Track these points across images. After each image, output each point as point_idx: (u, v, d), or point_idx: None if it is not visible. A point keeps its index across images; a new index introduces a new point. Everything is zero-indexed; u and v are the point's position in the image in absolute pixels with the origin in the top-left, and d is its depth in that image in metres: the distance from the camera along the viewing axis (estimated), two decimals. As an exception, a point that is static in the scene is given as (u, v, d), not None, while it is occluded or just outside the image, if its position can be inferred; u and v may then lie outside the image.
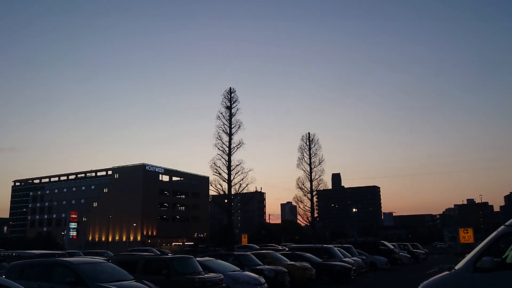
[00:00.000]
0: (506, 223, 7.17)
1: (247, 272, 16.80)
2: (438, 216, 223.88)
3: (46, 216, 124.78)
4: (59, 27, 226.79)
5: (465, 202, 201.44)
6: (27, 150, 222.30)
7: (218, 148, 44.61)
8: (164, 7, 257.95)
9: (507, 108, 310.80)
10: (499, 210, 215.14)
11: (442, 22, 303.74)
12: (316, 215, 58.08)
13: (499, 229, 7.13)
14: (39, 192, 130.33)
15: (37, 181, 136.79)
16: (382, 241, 39.63)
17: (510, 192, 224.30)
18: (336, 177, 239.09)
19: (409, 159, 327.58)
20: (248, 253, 22.11)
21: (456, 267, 7.11)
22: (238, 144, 44.54)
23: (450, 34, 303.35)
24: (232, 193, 44.52)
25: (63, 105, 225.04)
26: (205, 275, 14.32)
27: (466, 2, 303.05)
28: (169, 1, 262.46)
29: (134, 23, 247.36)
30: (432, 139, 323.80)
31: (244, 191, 46.24)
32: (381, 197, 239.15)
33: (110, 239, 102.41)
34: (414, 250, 43.63)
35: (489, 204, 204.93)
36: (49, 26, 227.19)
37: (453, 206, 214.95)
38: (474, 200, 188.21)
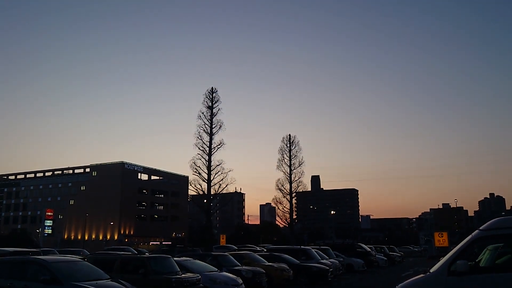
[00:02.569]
0: (480, 228, 7.29)
1: (224, 273, 16.79)
2: (414, 219, 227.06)
3: (21, 213, 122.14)
4: (34, 20, 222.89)
5: (441, 207, 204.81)
6: (2, 145, 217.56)
7: (199, 148, 44.59)
8: (144, 2, 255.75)
9: (484, 116, 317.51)
10: (473, 214, 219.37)
11: (427, 24, 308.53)
12: (294, 216, 58.51)
13: (473, 233, 7.25)
14: (14, 189, 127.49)
15: (12, 177, 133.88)
16: (359, 244, 40.05)
17: (485, 198, 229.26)
18: (315, 179, 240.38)
19: (387, 163, 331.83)
20: (226, 253, 22.08)
21: (431, 270, 7.21)
22: (219, 144, 44.60)
23: (426, 40, 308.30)
24: (212, 193, 44.52)
25: (40, 100, 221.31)
26: (183, 275, 14.27)
27: (458, 4, 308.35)
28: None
29: (114, 18, 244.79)
30: (409, 145, 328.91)
31: (224, 191, 46.32)
32: (359, 200, 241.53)
33: (86, 238, 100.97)
34: (391, 252, 44.15)
35: (464, 208, 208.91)
36: (23, 19, 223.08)
37: (429, 210, 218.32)
38: (450, 204, 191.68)
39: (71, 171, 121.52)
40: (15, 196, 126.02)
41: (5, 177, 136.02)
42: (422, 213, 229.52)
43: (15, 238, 76.65)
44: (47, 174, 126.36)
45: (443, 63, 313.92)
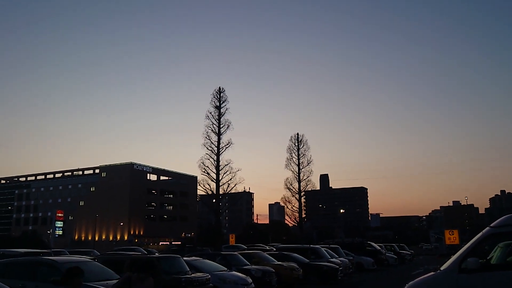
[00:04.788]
0: (491, 225, 7.23)
1: (234, 272, 16.78)
2: (424, 217, 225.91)
3: (31, 215, 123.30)
4: (41, 22, 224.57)
5: (451, 204, 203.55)
6: (12, 147, 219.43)
7: (207, 148, 44.64)
8: (151, 3, 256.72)
9: (493, 112, 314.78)
10: (484, 212, 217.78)
11: (432, 21, 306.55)
12: (304, 215, 58.21)
13: (484, 231, 7.19)
14: (25, 190, 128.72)
15: (23, 179, 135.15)
16: (369, 242, 39.85)
17: (495, 195, 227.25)
18: (324, 178, 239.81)
19: (396, 161, 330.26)
20: (235, 253, 22.10)
21: (442, 268, 7.16)
22: (227, 144, 44.63)
23: (433, 37, 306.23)
24: (220, 193, 44.52)
25: (50, 102, 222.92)
26: (192, 274, 14.28)
27: (467, 1, 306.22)
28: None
29: (122, 19, 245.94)
30: (419, 142, 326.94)
31: (232, 191, 46.29)
32: (368, 198, 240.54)
33: (96, 238, 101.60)
34: (401, 251, 43.90)
35: (475, 206, 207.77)
36: (30, 22, 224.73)
37: (439, 208, 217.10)
38: (460, 202, 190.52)
39: (80, 172, 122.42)
40: (26, 197, 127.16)
41: (16, 179, 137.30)
42: (432, 211, 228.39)
43: (26, 239, 77.36)
44: (57, 175, 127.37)
45: (452, 60, 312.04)
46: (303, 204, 57.89)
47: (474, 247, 7.03)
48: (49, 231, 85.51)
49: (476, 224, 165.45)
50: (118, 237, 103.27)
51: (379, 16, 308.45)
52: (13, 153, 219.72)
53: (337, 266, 22.87)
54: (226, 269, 17.11)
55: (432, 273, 7.29)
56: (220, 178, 44.08)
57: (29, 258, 15.01)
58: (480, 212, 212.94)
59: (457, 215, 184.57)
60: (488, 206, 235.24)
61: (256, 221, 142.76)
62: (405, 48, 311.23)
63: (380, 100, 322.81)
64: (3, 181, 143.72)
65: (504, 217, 7.25)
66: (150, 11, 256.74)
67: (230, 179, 44.27)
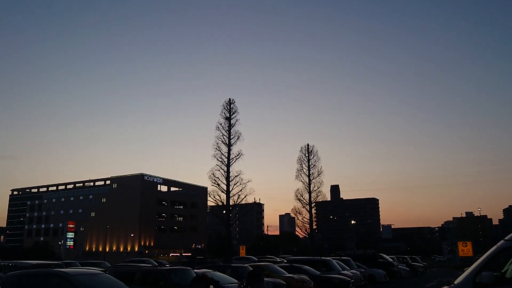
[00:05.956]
0: (505, 238, 7.14)
1: (245, 285, 16.67)
2: (437, 228, 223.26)
3: (43, 226, 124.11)
4: (58, 34, 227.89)
5: (464, 215, 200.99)
6: (25, 158, 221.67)
7: (217, 159, 44.83)
8: (163, 16, 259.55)
9: (507, 121, 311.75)
10: (497, 223, 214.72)
11: (443, 30, 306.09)
12: (314, 227, 58.01)
13: (498, 244, 7.10)
14: (36, 201, 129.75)
15: (35, 190, 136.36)
16: (380, 254, 39.51)
17: (509, 206, 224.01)
18: (334, 189, 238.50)
19: (408, 171, 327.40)
20: (246, 265, 22.00)
21: (456, 282, 7.06)
22: (237, 155, 44.80)
23: (450, 43, 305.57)
24: (231, 204, 44.59)
25: (61, 114, 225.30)
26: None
27: (466, 9, 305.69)
28: (167, 9, 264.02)
29: (133, 32, 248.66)
30: (431, 152, 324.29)
31: (243, 202, 46.36)
32: (379, 209, 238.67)
33: (107, 250, 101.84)
34: (413, 263, 43.38)
35: (488, 217, 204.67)
36: (48, 34, 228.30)
37: (452, 219, 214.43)
38: (473, 213, 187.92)
39: (92, 184, 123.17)
40: (37, 208, 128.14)
41: (28, 190, 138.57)
42: (444, 222, 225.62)
43: (37, 250, 77.71)
44: (68, 186, 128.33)
45: (467, 67, 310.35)
46: (313, 215, 57.68)
47: (488, 261, 6.93)
48: (61, 242, 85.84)
49: (489, 235, 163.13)
50: (129, 248, 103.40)
51: (392, 30, 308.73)
52: (25, 164, 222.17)
53: (349, 279, 22.68)
54: (236, 281, 17.03)
55: (446, 287, 7.19)
56: (230, 189, 44.19)
57: (41, 270, 15.06)
58: (493, 223, 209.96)
59: (470, 226, 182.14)
60: (501, 217, 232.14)
61: (266, 233, 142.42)
62: (418, 59, 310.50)
63: (391, 110, 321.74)
64: (15, 192, 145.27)
65: (518, 230, 7.16)
66: (159, 29, 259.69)
67: (240, 190, 44.40)
